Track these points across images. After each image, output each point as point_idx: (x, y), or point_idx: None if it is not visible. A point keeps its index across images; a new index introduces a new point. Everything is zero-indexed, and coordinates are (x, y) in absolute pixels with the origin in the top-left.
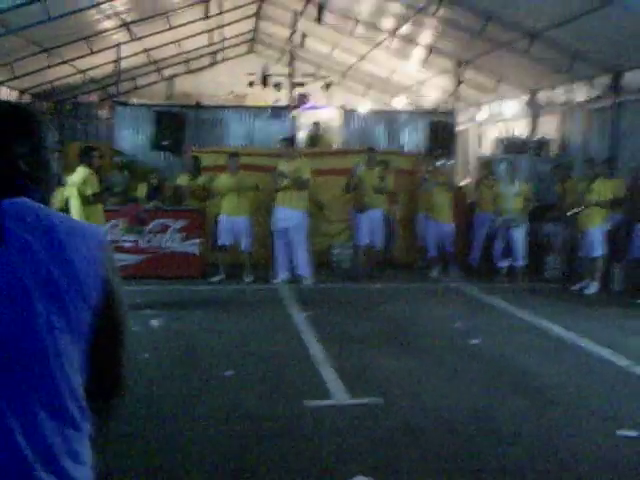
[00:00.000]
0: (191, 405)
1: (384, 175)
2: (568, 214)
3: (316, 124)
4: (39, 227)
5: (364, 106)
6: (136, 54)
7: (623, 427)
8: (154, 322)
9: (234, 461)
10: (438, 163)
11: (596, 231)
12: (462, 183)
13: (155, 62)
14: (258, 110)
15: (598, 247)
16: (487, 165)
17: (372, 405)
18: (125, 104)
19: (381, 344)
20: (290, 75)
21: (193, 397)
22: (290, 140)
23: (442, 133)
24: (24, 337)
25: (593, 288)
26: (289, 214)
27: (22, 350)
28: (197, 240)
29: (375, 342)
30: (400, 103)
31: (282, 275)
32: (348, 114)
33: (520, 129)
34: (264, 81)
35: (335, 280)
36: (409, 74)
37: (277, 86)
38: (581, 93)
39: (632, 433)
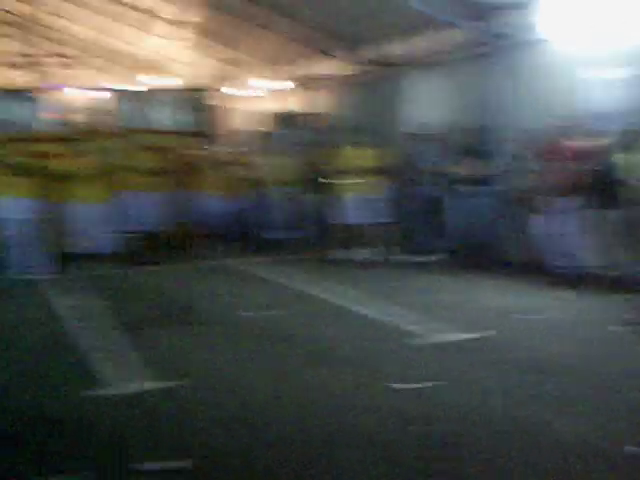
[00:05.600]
0: None
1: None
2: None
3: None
4: None
5: (135, 86)
6: None
7: (398, 381)
8: None
9: None
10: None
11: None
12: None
13: None
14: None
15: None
16: (264, 139)
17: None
18: None
19: (161, 326)
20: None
21: None
22: None
23: (205, 109)
24: None
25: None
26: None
27: None
28: None
29: (152, 324)
30: (151, 80)
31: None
32: (121, 95)
33: (286, 104)
34: None
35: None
36: (156, 50)
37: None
38: (340, 68)
39: (405, 385)
